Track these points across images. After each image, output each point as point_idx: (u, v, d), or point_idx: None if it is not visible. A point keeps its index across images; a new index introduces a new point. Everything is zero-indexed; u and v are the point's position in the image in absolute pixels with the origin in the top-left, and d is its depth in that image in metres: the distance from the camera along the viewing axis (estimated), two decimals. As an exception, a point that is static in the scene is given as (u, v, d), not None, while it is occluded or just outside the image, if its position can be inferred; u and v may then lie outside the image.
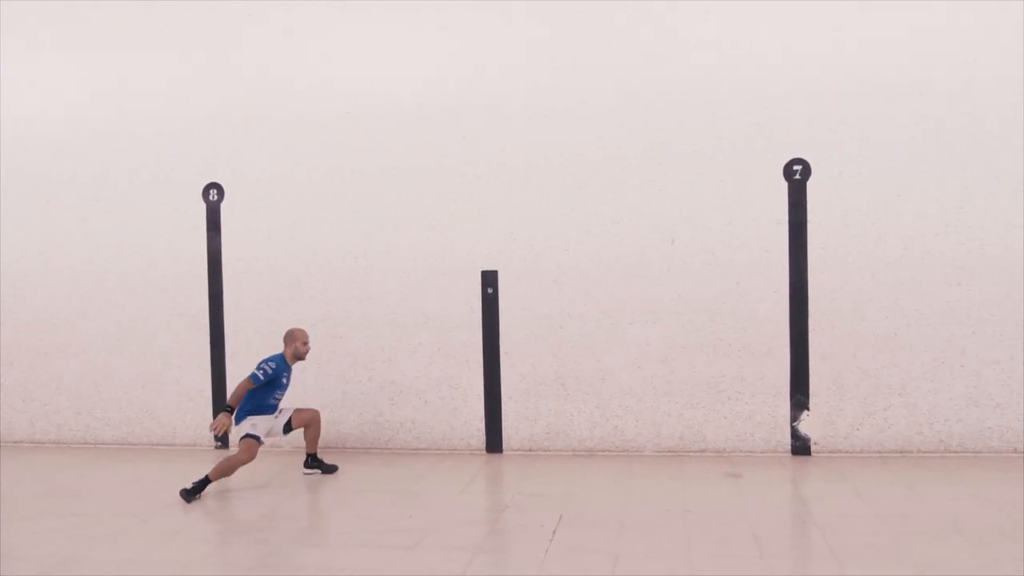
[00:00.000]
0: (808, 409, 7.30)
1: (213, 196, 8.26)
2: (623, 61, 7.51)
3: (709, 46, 7.38)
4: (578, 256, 7.59)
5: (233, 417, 6.61)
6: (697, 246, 7.41)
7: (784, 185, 7.29)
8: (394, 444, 7.97)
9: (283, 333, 8.00)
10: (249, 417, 6.71)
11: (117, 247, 8.48)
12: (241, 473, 6.83)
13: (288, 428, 7.03)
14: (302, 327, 7.41)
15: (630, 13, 7.48)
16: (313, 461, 7.16)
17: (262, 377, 6.62)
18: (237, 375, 8.13)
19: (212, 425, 6.44)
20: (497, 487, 6.77)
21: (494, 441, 7.77)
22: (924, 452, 7.15)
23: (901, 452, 7.18)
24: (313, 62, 8.04)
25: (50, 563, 5.01)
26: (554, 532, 5.33)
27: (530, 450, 7.72)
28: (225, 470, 6.51)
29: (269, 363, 6.70)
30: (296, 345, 6.92)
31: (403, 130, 7.88)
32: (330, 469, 7.16)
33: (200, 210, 8.29)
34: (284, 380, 6.90)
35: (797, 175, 7.27)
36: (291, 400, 7.55)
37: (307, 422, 7.11)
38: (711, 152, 7.39)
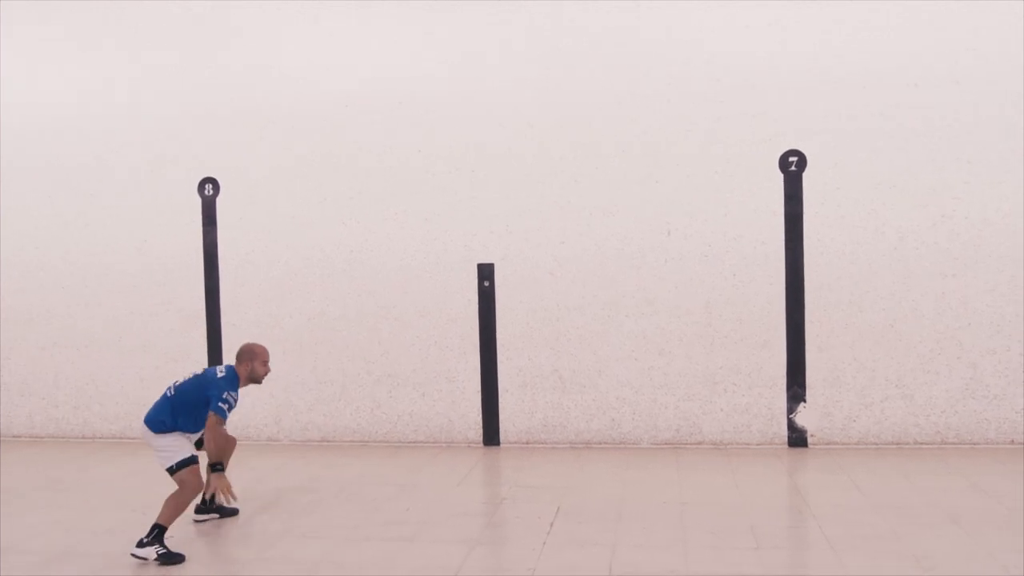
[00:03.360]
0: (805, 401, 7.31)
1: (209, 191, 8.24)
2: (620, 54, 7.49)
3: (705, 39, 7.36)
4: (574, 249, 7.59)
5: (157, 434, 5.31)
6: (694, 238, 7.41)
7: (780, 177, 7.29)
8: (392, 437, 7.98)
9: (282, 327, 8.01)
10: (172, 435, 5.31)
11: (115, 242, 8.47)
12: (241, 467, 6.84)
13: (199, 444, 5.59)
14: (258, 346, 5.73)
15: (627, 7, 7.46)
16: (210, 503, 5.82)
17: (227, 411, 5.31)
18: (234, 369, 8.14)
19: (219, 493, 5.25)
20: (494, 480, 6.78)
21: (491, 434, 7.78)
22: (921, 443, 7.17)
23: (898, 444, 7.20)
24: (309, 55, 8.02)
25: (49, 556, 5.02)
26: (551, 524, 5.34)
27: (527, 443, 7.73)
28: (179, 508, 5.14)
29: (230, 392, 5.31)
30: (254, 365, 5.57)
31: (400, 123, 7.86)
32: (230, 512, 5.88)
33: (196, 205, 8.28)
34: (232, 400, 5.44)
35: (793, 167, 7.27)
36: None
37: (195, 489, 5.30)
38: (707, 144, 7.38)
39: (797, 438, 7.33)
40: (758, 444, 7.39)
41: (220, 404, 5.23)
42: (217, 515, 5.82)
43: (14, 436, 8.81)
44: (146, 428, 5.32)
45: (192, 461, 5.23)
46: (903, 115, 7.11)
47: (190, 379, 5.47)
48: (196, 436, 5.50)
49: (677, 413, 7.49)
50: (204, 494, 5.61)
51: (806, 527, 5.25)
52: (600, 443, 7.61)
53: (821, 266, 7.24)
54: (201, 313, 8.31)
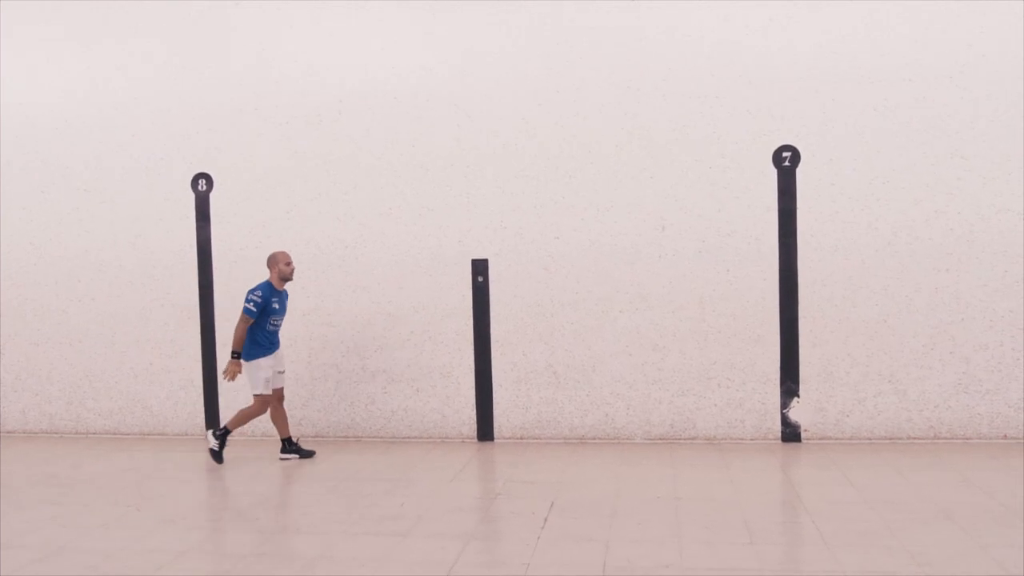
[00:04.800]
0: (798, 396, 7.33)
1: (202, 186, 8.22)
2: (615, 50, 7.49)
3: (700, 35, 7.37)
4: (569, 244, 7.59)
5: (241, 360, 6.91)
6: (688, 234, 7.42)
7: (774, 172, 7.30)
8: (386, 432, 7.98)
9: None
10: (257, 361, 6.91)
11: (109, 237, 8.44)
12: (234, 463, 6.83)
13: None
14: (279, 252, 7.18)
15: (625, 6, 7.45)
16: (291, 446, 7.29)
17: (253, 308, 6.75)
18: (228, 364, 8.14)
19: (224, 373, 6.81)
20: (489, 475, 6.79)
21: (485, 429, 7.78)
22: (914, 438, 7.20)
23: (891, 439, 7.23)
24: (303, 50, 8.00)
25: (44, 552, 5.01)
26: (545, 519, 5.35)
27: (521, 438, 7.74)
28: (245, 417, 7.05)
29: (255, 292, 6.81)
30: (279, 267, 6.97)
31: (394, 119, 7.85)
32: (308, 454, 7.31)
33: (190, 200, 8.26)
34: (275, 305, 6.95)
35: (786, 162, 7.28)
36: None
37: (275, 400, 7.19)
38: (702, 140, 7.39)
39: (791, 433, 7.35)
40: (752, 439, 7.41)
41: (246, 305, 6.76)
42: (297, 456, 7.20)
43: (7, 432, 8.79)
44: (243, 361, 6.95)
45: (264, 391, 6.95)
46: (897, 111, 7.13)
47: None
48: (276, 355, 7.10)
49: (671, 408, 7.50)
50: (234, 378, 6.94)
51: (800, 522, 5.27)
52: (594, 438, 7.62)
53: (815, 261, 7.26)
54: (195, 308, 8.29)
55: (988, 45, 6.99)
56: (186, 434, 8.36)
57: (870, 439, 7.25)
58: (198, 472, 7.13)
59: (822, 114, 7.23)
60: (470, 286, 7.76)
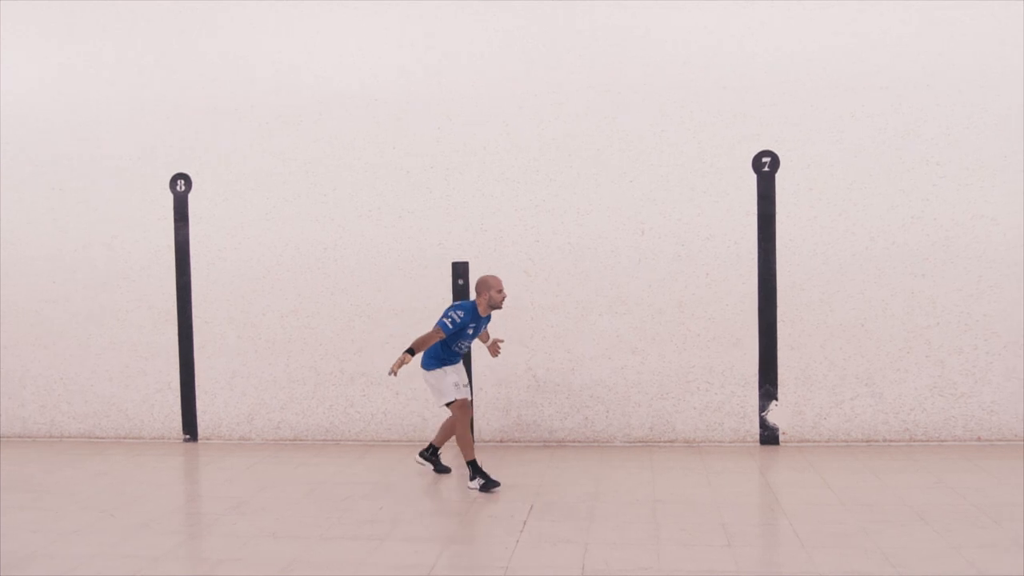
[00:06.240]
0: (776, 399, 7.38)
1: (180, 187, 8.16)
2: (596, 54, 7.51)
3: (681, 40, 7.40)
4: (549, 247, 7.60)
5: (420, 362, 6.43)
6: (667, 238, 7.45)
7: (753, 177, 7.35)
8: (365, 436, 7.95)
9: (254, 324, 7.98)
10: (443, 368, 6.35)
11: (85, 238, 8.36)
12: (212, 466, 6.78)
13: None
14: (491, 276, 6.40)
15: (606, 8, 7.47)
16: (432, 455, 6.81)
17: (450, 326, 6.15)
18: (206, 367, 8.09)
19: (395, 364, 6.03)
20: (468, 478, 6.77)
21: (465, 432, 7.77)
22: (890, 441, 7.25)
23: (867, 441, 7.28)
24: (283, 51, 7.96)
25: (16, 559, 4.95)
26: (524, 523, 5.35)
27: (501, 441, 7.73)
28: (462, 435, 6.31)
29: (456, 311, 6.20)
30: (491, 294, 6.28)
31: (374, 121, 7.83)
32: (443, 470, 6.80)
33: (167, 201, 8.19)
34: (470, 330, 6.35)
35: (766, 167, 7.33)
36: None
37: (468, 412, 6.51)
38: (682, 144, 7.42)
39: (769, 436, 7.39)
40: (730, 442, 7.44)
41: (443, 319, 6.18)
42: (432, 467, 6.77)
43: (-20, 435, 8.69)
44: (420, 369, 6.47)
45: (457, 396, 6.33)
46: (873, 117, 7.19)
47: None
48: (458, 367, 6.50)
49: (650, 411, 7.52)
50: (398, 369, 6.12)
51: (777, 524, 5.30)
52: (574, 441, 7.63)
53: (793, 266, 7.30)
54: (172, 310, 8.23)
55: (960, 54, 7.07)
56: (162, 438, 8.28)
57: (847, 441, 7.30)
58: (174, 476, 7.08)
59: (801, 120, 7.28)
60: (450, 288, 7.75)
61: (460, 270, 7.72)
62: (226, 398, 8.11)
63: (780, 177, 7.32)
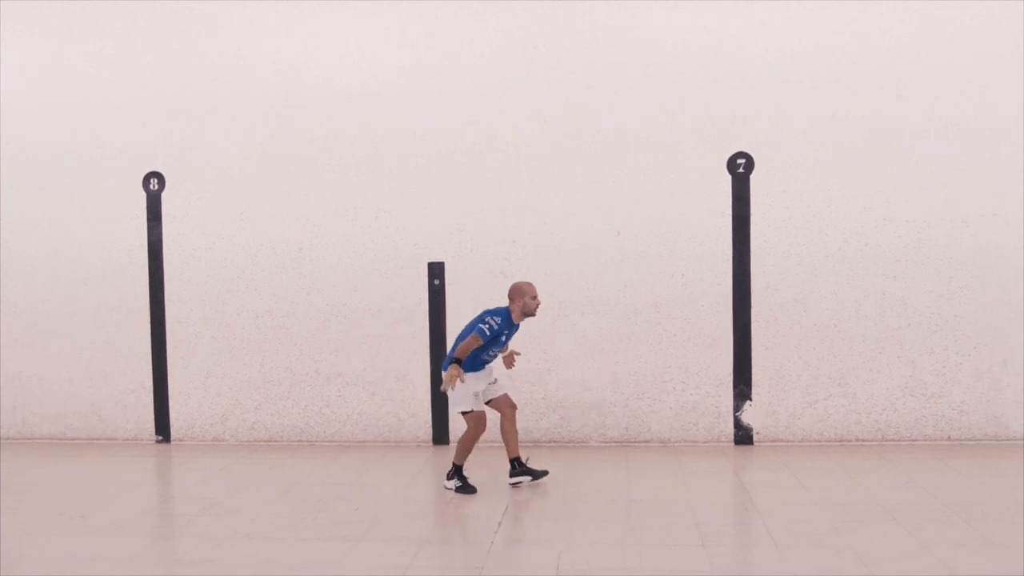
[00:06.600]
0: (751, 399, 7.43)
1: (154, 186, 8.09)
2: (574, 56, 7.52)
3: (658, 43, 7.43)
4: (525, 248, 7.60)
5: (443, 367, 6.07)
6: (643, 238, 7.48)
7: (728, 179, 7.39)
8: (341, 436, 7.91)
9: (229, 325, 7.93)
10: (467, 375, 5.95)
11: (57, 237, 8.24)
12: (186, 467, 6.72)
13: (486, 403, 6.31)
14: (530, 281, 6.30)
15: (585, 10, 7.49)
16: (520, 467, 6.35)
17: (487, 332, 5.93)
18: (180, 367, 8.02)
19: (445, 381, 5.77)
20: (444, 479, 6.76)
21: (441, 433, 7.76)
22: (862, 440, 7.33)
23: (840, 441, 7.35)
24: (258, 50, 7.91)
25: (-17, 561, 4.89)
26: (499, 524, 5.35)
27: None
28: (466, 441, 6.15)
29: (494, 317, 6.00)
30: (525, 300, 6.09)
31: (350, 120, 7.80)
32: (540, 474, 6.37)
33: (141, 200, 8.11)
34: (503, 338, 6.15)
35: (741, 168, 7.37)
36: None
37: (504, 411, 6.33)
38: (659, 146, 7.45)
39: (743, 436, 7.44)
40: (705, 442, 7.48)
41: (481, 326, 5.97)
42: (530, 477, 6.32)
43: (-51, 436, 8.56)
44: (442, 373, 6.07)
45: (475, 407, 6.10)
46: (847, 121, 7.26)
47: (467, 325, 6.23)
48: (481, 374, 6.18)
49: (626, 411, 7.55)
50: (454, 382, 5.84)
51: (751, 524, 5.33)
52: (549, 441, 7.64)
53: (768, 267, 7.36)
54: (145, 310, 8.14)
55: (935, 58, 7.15)
56: (136, 439, 8.20)
57: (820, 441, 7.36)
58: (146, 477, 7.02)
59: (776, 122, 7.34)
60: (426, 289, 7.74)
61: (436, 270, 7.71)
62: (200, 399, 8.05)
63: (755, 178, 7.37)
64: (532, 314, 6.19)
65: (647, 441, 7.54)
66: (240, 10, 7.91)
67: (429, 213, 7.71)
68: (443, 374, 5.91)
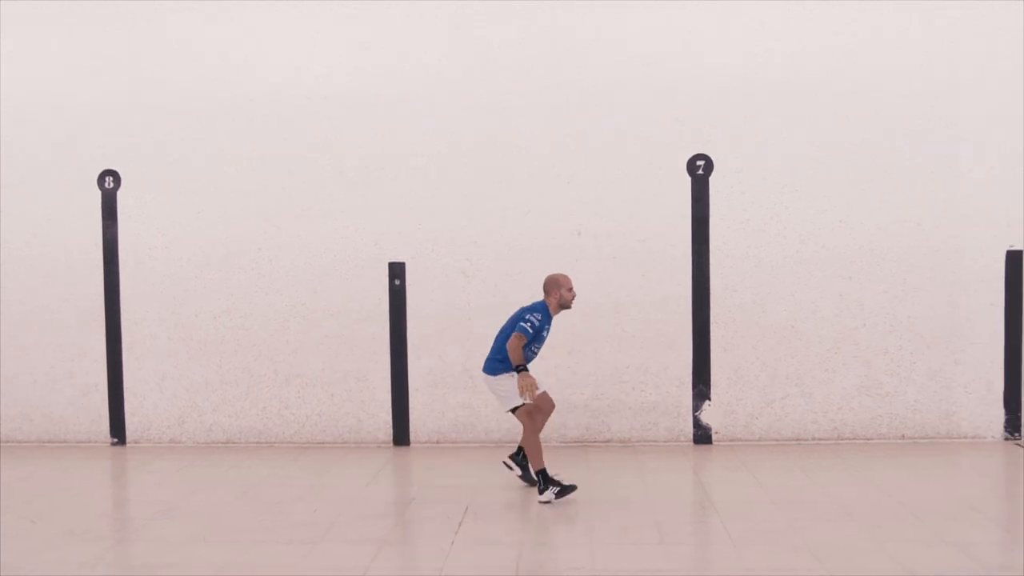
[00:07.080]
0: (709, 399, 7.50)
1: (109, 183, 7.94)
2: (533, 56, 7.53)
3: (620, 45, 7.46)
4: (485, 248, 7.60)
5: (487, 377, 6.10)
6: (603, 239, 7.51)
7: (688, 180, 7.45)
8: (299, 438, 7.84)
9: (186, 325, 7.82)
10: (509, 373, 5.87)
11: (8, 235, 8.05)
12: (142, 470, 6.60)
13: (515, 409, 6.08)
14: (560, 275, 6.13)
15: (547, 8, 7.50)
16: (523, 458, 6.24)
17: (530, 330, 5.80)
18: (135, 368, 7.89)
19: (524, 392, 5.63)
20: (404, 480, 6.74)
21: (401, 434, 7.73)
22: (819, 439, 7.43)
23: (797, 440, 7.45)
24: (215, 48, 7.80)
25: (-71, 567, 4.76)
26: (459, 524, 5.34)
27: (437, 442, 7.70)
28: (536, 444, 5.91)
29: (534, 314, 5.89)
30: (561, 292, 5.98)
31: (309, 119, 7.72)
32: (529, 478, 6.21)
33: (95, 197, 7.96)
34: (544, 334, 6.03)
35: (700, 171, 7.44)
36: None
37: (543, 410, 6.07)
38: (618, 146, 7.49)
39: (702, 435, 7.51)
40: (665, 441, 7.54)
41: (523, 323, 5.85)
42: (520, 475, 6.24)
43: None
44: (485, 375, 6.13)
45: (524, 401, 5.84)
46: (804, 124, 7.37)
47: (507, 322, 6.14)
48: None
49: (586, 411, 7.58)
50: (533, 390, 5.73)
51: (709, 522, 5.38)
52: (510, 443, 7.62)
53: (726, 268, 7.43)
54: (100, 310, 7.99)
55: (892, 61, 7.28)
56: (89, 441, 8.04)
57: (777, 440, 7.45)
58: (101, 481, 6.89)
59: (734, 124, 7.41)
60: (387, 289, 7.70)
61: (397, 270, 7.67)
62: (156, 400, 7.92)
63: (714, 180, 7.44)
64: (568, 306, 6.10)
65: (607, 441, 7.58)
66: (195, 6, 7.79)
67: (389, 213, 7.67)
68: (494, 382, 6.05)
